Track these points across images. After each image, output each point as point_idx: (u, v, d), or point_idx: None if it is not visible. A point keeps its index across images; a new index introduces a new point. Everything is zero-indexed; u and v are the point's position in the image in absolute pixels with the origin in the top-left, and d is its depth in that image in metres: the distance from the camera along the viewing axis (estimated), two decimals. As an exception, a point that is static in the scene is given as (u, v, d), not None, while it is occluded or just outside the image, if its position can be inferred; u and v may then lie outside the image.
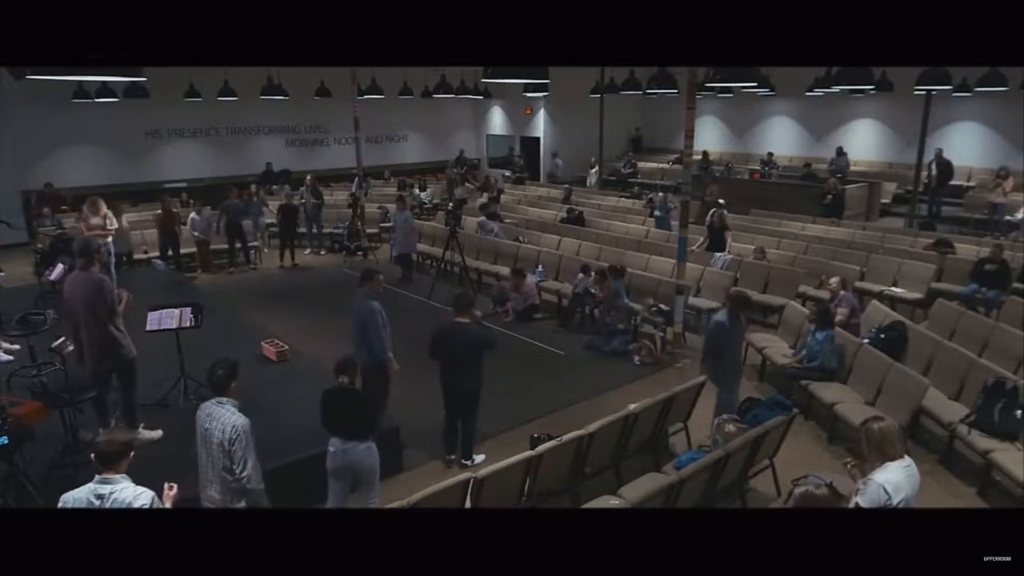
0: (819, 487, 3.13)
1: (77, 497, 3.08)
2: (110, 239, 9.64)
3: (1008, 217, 13.48)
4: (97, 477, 3.10)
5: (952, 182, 15.59)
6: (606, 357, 8.48)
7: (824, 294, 9.41)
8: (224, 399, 3.88)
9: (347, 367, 4.75)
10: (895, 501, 3.29)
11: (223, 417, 3.81)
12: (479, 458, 5.98)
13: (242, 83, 15.27)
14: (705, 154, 19.49)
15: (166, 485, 3.33)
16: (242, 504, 3.92)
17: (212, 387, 3.91)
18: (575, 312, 9.70)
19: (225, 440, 3.76)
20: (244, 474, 3.79)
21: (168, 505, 3.26)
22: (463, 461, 5.96)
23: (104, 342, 5.34)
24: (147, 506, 3.05)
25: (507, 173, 21.38)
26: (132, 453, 3.18)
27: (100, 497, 3.05)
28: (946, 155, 15.38)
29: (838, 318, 7.59)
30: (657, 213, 13.58)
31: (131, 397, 5.63)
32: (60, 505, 3.10)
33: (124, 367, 5.51)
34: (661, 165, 21.31)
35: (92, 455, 3.14)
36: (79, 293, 5.29)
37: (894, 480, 3.33)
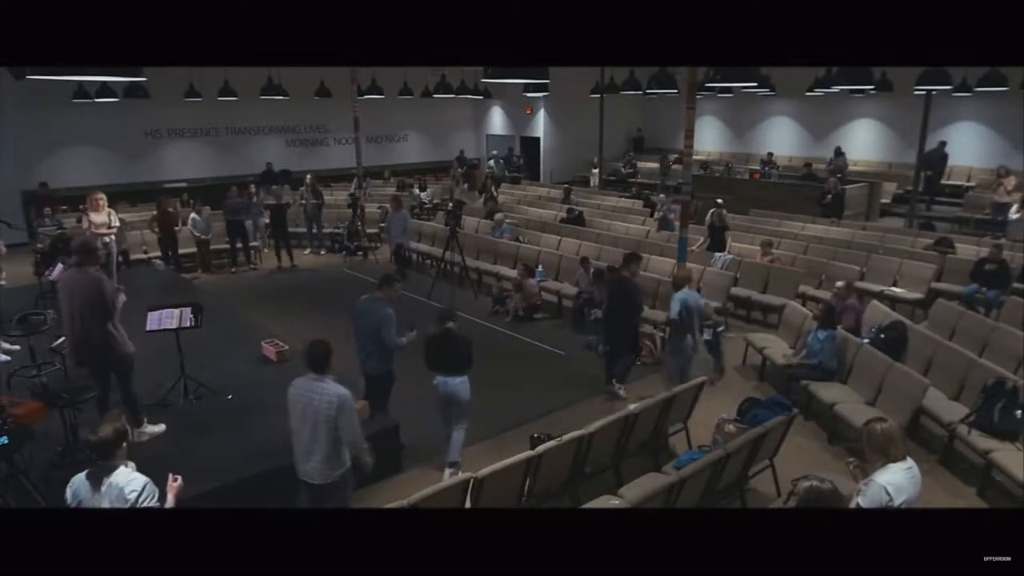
0: (823, 482, 3.14)
1: (79, 480, 3.21)
2: (113, 237, 9.62)
3: (1012, 216, 13.45)
4: (96, 464, 3.20)
5: (952, 182, 15.56)
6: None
7: (825, 294, 9.42)
8: (323, 376, 4.13)
9: (449, 314, 5.72)
10: (897, 503, 3.27)
11: (327, 389, 4.07)
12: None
13: (242, 83, 15.26)
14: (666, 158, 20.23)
15: (170, 476, 3.36)
16: (339, 473, 4.18)
17: (311, 367, 4.15)
18: (579, 312, 9.68)
19: (333, 410, 4.01)
20: (355, 439, 4.14)
21: (171, 496, 3.30)
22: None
23: (103, 340, 5.33)
24: (137, 492, 3.11)
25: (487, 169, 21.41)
26: (126, 441, 3.23)
27: (97, 482, 3.13)
28: (945, 150, 15.35)
29: (843, 325, 7.60)
30: (659, 214, 13.58)
31: (130, 392, 5.63)
32: (68, 488, 3.23)
33: (121, 363, 5.51)
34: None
35: (88, 449, 3.25)
36: (76, 292, 5.25)
37: (896, 481, 3.31)
